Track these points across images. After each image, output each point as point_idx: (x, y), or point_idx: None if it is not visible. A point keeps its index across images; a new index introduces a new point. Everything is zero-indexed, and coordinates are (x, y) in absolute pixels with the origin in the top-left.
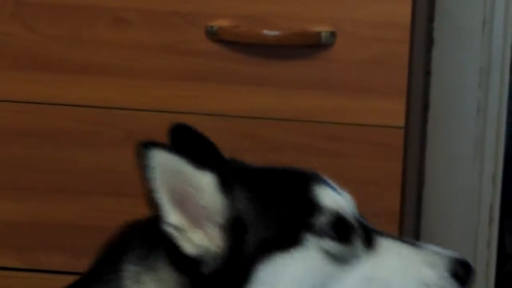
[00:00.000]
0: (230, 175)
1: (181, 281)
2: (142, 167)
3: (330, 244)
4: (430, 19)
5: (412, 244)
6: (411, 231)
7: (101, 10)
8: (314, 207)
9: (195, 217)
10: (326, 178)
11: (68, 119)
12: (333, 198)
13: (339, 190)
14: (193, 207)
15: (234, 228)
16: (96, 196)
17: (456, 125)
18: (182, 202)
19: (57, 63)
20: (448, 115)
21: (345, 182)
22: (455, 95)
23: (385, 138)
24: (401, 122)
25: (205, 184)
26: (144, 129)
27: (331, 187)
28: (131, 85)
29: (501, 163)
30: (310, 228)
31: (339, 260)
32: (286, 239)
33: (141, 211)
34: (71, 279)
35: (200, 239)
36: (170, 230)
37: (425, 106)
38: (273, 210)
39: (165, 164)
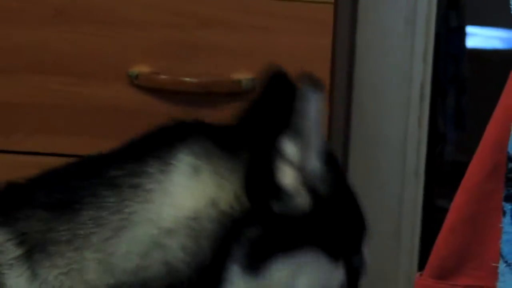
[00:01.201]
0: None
1: (241, 200)
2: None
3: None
4: None
5: None
6: (342, 107)
7: None
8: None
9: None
10: None
11: None
12: None
13: None
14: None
15: (318, 201)
16: (26, 74)
17: (386, 2)
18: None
19: None
20: None
21: (275, 59)
22: None
23: (315, 14)
24: None
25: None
26: (74, 6)
27: None
28: None
29: (432, 40)
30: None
31: None
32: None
33: (72, 90)
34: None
35: (297, 179)
36: (279, 153)
37: None
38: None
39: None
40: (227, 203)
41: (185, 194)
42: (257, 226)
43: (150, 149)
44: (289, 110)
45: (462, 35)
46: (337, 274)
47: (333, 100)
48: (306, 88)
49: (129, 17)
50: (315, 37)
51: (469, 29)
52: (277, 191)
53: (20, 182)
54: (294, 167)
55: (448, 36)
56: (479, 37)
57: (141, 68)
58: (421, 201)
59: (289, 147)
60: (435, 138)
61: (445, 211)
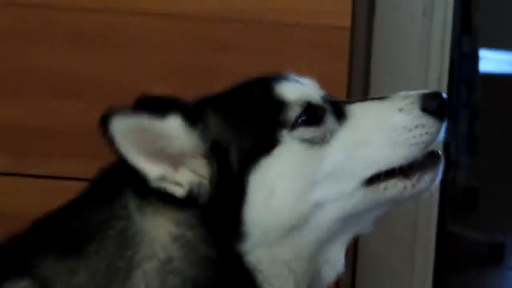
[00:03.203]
0: (195, 107)
1: (182, 212)
2: (107, 139)
3: (306, 132)
4: None
5: (380, 98)
6: None
7: None
8: (281, 105)
9: (175, 161)
10: (285, 73)
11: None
12: (296, 90)
13: (301, 80)
14: (170, 153)
15: (215, 153)
16: (42, 97)
17: (402, 27)
18: (158, 154)
19: None
20: (395, 17)
21: None
22: None
23: (330, 39)
24: (346, 22)
25: (172, 129)
26: (92, 30)
27: (292, 80)
28: None
29: (447, 66)
30: (283, 125)
31: (318, 141)
32: (265, 144)
33: (87, 114)
34: (14, 181)
35: (186, 177)
36: (156, 184)
37: (372, 7)
38: (244, 122)
39: (127, 128)
40: (179, 218)
41: (155, 227)
42: (212, 213)
43: (116, 193)
44: None
45: (476, 60)
46: None
47: None
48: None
49: (146, 41)
50: (331, 62)
51: (482, 53)
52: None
53: (27, 229)
54: (173, 176)
55: (461, 61)
56: (492, 61)
57: (158, 92)
58: (435, 227)
59: (156, 173)
60: (447, 164)
61: (456, 236)
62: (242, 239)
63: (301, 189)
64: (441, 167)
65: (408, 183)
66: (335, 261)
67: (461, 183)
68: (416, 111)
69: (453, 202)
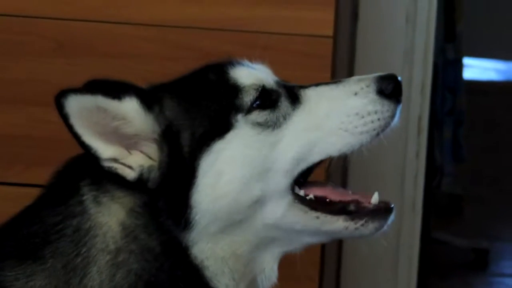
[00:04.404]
0: (151, 91)
1: (134, 199)
2: (63, 117)
3: (259, 116)
4: None
5: (334, 82)
6: None
7: None
8: (235, 89)
9: (129, 143)
10: (240, 59)
11: None
12: (250, 74)
13: (255, 66)
14: (124, 135)
15: (168, 136)
16: (26, 106)
17: (385, 35)
18: (112, 134)
19: None
20: (378, 25)
21: None
22: (384, 5)
23: (314, 48)
24: (329, 31)
25: (128, 110)
26: (75, 39)
27: (247, 65)
28: None
29: (430, 73)
30: (238, 109)
31: (271, 125)
32: (218, 128)
33: None
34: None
35: (138, 160)
36: (107, 164)
37: (355, 16)
38: (199, 106)
39: (82, 107)
40: (131, 206)
41: (110, 217)
42: (160, 200)
43: (71, 191)
44: None
45: (459, 68)
46: None
47: None
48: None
49: (129, 50)
50: (314, 71)
51: (466, 60)
52: (138, 179)
53: None
54: (126, 158)
55: (445, 69)
56: (476, 69)
57: None
58: (419, 233)
59: (109, 153)
60: (432, 171)
61: (441, 243)
62: (188, 227)
63: (247, 177)
64: (390, 219)
65: (352, 225)
66: (269, 272)
67: (446, 190)
68: (372, 95)
69: (438, 209)
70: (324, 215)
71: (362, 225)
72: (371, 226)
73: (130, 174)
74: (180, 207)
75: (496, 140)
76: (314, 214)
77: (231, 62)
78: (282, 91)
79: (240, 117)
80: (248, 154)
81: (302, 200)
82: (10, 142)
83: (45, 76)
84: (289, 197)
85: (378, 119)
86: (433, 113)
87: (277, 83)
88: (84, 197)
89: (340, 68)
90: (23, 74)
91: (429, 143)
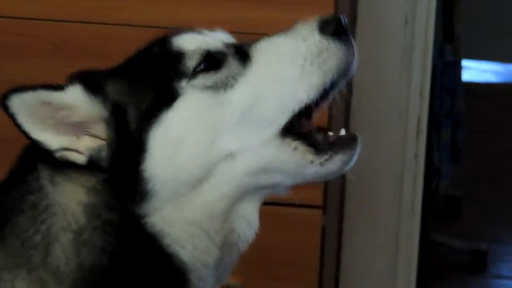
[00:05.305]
0: (95, 75)
1: (94, 178)
2: (10, 118)
3: (206, 78)
4: None
5: (284, 32)
6: None
7: None
8: (178, 56)
9: (79, 129)
10: (193, 27)
11: None
12: (194, 39)
13: (207, 32)
14: (72, 122)
15: (114, 116)
16: None
17: (384, 36)
18: (60, 125)
19: None
20: (376, 27)
21: None
22: (383, 7)
23: None
24: None
25: (72, 98)
26: (72, 41)
27: (195, 32)
28: None
29: (429, 75)
30: (182, 75)
31: (222, 86)
32: (165, 98)
33: None
34: None
35: (86, 143)
36: (58, 154)
37: (353, 17)
38: (142, 80)
39: (27, 104)
40: (91, 185)
41: (67, 196)
42: (115, 176)
43: (27, 171)
44: None
45: (458, 70)
46: None
47: None
48: None
49: (125, 51)
50: None
51: (464, 62)
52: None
53: None
54: (75, 144)
55: (444, 71)
56: (474, 71)
57: None
58: (418, 235)
59: (58, 143)
60: (430, 173)
61: (440, 245)
62: (145, 199)
63: (208, 139)
64: (356, 151)
65: (316, 159)
66: (250, 217)
67: (444, 192)
68: (316, 36)
69: (436, 211)
70: (295, 143)
71: (327, 159)
72: (337, 159)
73: (80, 159)
74: (133, 181)
75: (494, 142)
76: (293, 144)
77: (178, 31)
78: (229, 50)
79: (184, 83)
80: (203, 117)
81: (286, 135)
82: (10, 143)
83: (41, 77)
84: (275, 140)
85: (332, 56)
86: (431, 115)
87: (228, 45)
88: (40, 175)
89: None
90: (20, 76)
91: (428, 145)
